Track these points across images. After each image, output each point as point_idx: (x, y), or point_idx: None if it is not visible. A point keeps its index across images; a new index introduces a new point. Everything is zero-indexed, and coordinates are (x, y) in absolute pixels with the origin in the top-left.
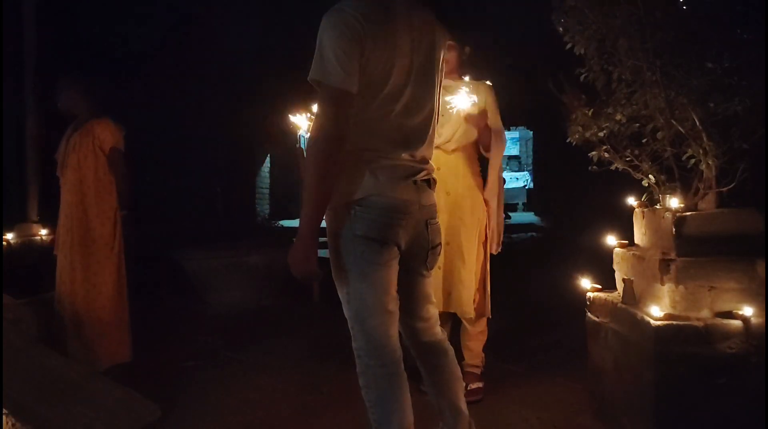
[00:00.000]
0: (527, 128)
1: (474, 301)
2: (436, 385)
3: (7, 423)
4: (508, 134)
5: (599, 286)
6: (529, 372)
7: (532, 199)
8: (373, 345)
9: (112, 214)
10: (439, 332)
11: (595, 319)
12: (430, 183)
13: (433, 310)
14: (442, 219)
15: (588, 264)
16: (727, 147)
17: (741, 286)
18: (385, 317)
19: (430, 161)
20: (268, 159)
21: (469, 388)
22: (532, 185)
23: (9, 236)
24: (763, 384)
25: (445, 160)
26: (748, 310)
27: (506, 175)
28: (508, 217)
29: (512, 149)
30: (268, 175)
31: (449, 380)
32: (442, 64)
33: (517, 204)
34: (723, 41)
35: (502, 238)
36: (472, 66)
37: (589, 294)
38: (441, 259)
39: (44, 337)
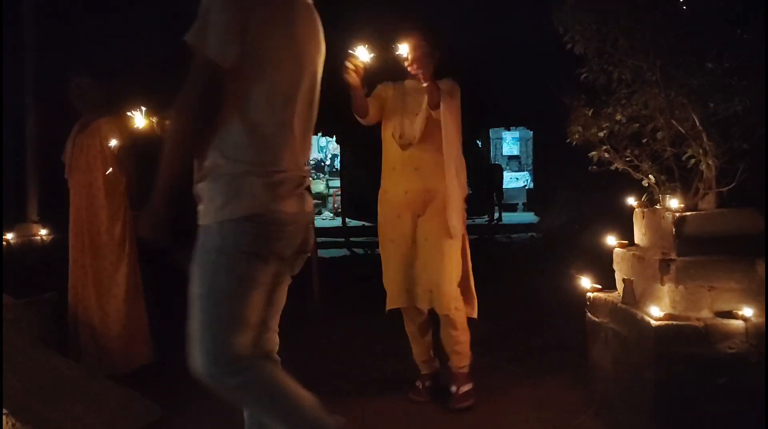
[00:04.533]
0: (527, 128)
1: (455, 299)
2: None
3: (7, 423)
4: (508, 134)
5: (599, 286)
6: (529, 372)
7: (532, 199)
8: (230, 359)
9: (121, 215)
10: (277, 342)
11: (595, 319)
12: (309, 190)
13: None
14: (428, 217)
15: (588, 264)
16: (727, 147)
17: (741, 286)
18: (247, 336)
19: (307, 166)
20: None
21: (460, 392)
22: (532, 185)
23: (9, 236)
24: (763, 384)
25: (420, 157)
26: (748, 310)
27: (506, 175)
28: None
29: (512, 149)
30: None
31: None
32: (322, 65)
33: (517, 204)
34: (723, 41)
35: (464, 220)
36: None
37: (589, 294)
38: (419, 256)
39: (44, 337)
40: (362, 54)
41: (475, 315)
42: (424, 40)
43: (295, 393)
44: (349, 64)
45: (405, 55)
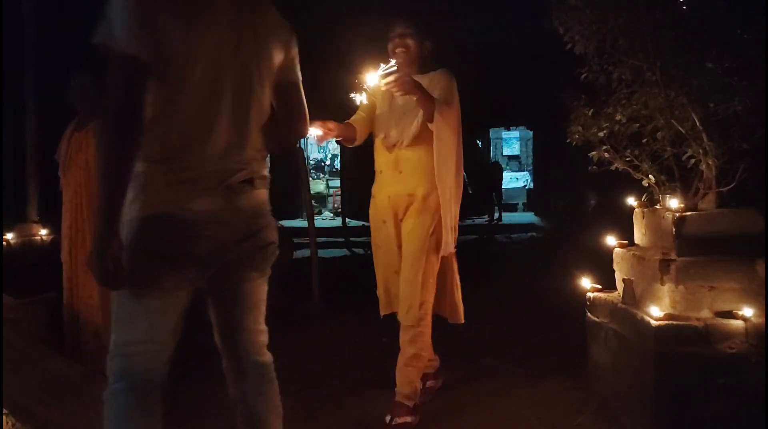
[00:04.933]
0: (527, 128)
1: (422, 304)
2: (252, 423)
3: (7, 423)
4: (508, 134)
5: (599, 286)
6: (529, 372)
7: (532, 199)
8: (128, 370)
9: None
10: (267, 352)
11: (595, 319)
12: (253, 182)
13: (264, 325)
14: (406, 221)
15: (588, 264)
16: (727, 147)
17: (741, 286)
18: (142, 343)
19: (251, 159)
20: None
21: (394, 423)
22: (532, 185)
23: (9, 236)
24: (763, 384)
25: (406, 158)
26: (748, 310)
27: (506, 175)
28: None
29: (512, 149)
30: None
31: (270, 418)
32: (271, 59)
33: (517, 204)
34: (723, 41)
35: (456, 235)
36: (444, 63)
37: (589, 294)
38: (399, 264)
39: (44, 337)
40: (314, 132)
41: (460, 321)
42: (401, 33)
43: None
44: (315, 139)
45: (380, 78)
